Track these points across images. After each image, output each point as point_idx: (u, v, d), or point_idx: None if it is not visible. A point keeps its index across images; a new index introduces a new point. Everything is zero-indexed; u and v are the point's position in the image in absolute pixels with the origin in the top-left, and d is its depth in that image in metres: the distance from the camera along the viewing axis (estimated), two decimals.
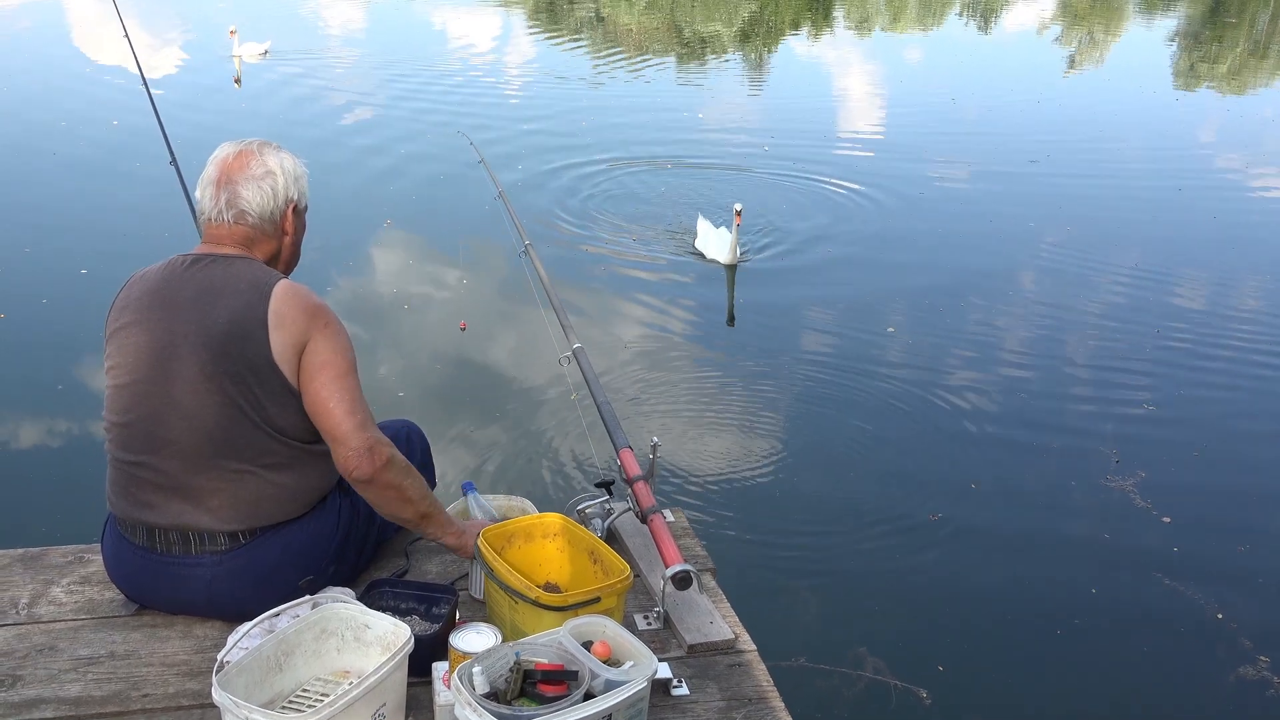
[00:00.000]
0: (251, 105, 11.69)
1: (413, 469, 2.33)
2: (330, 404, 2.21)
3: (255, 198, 2.33)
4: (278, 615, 2.06)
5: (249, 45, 13.63)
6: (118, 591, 2.42)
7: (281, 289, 2.25)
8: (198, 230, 2.43)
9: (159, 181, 3.90)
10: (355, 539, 2.46)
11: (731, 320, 6.69)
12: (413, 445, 2.74)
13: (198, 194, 2.38)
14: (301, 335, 2.23)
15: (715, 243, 7.39)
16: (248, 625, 2.04)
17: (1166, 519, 4.59)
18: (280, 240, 2.40)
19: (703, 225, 7.66)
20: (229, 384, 2.20)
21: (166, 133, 3.99)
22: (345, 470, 2.22)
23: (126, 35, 4.82)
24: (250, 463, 2.23)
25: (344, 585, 2.42)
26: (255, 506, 2.25)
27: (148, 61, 11.14)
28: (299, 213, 2.43)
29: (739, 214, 7.07)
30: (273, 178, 2.35)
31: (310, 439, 2.30)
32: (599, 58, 16.02)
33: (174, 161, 3.84)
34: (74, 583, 2.47)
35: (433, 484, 2.84)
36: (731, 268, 7.24)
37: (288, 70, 13.19)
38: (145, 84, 4.42)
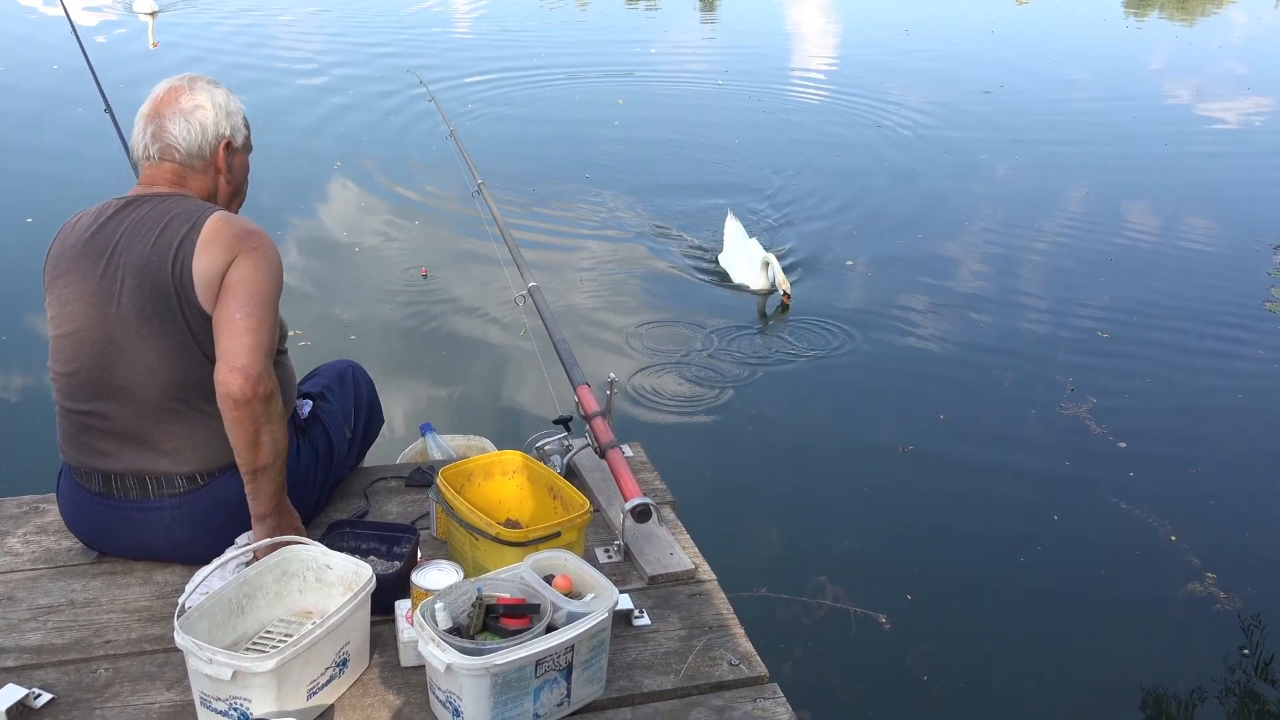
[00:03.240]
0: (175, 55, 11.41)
1: (284, 424, 2.16)
2: (234, 319, 2.09)
3: (181, 132, 2.26)
4: (236, 557, 2.06)
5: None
6: (75, 540, 2.40)
7: (214, 218, 2.17)
8: (135, 174, 2.37)
9: (102, 129, 3.81)
10: (313, 479, 2.45)
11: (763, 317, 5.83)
12: (358, 384, 2.72)
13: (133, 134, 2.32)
14: (225, 259, 2.13)
15: (742, 264, 6.10)
16: (207, 569, 2.04)
17: (1122, 444, 4.67)
18: (214, 179, 2.32)
19: (731, 230, 6.38)
20: (170, 323, 2.14)
21: (99, 79, 3.91)
22: (223, 385, 2.05)
23: None
24: (201, 402, 2.19)
25: (316, 518, 2.44)
26: (211, 447, 2.22)
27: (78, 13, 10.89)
28: (233, 150, 2.34)
29: (787, 296, 5.81)
30: (201, 111, 2.27)
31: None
32: None
33: (108, 109, 3.76)
34: (30, 533, 2.45)
35: (380, 422, 2.83)
36: (766, 295, 5.97)
37: (208, 20, 12.81)
38: (75, 30, 4.30)
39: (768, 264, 5.89)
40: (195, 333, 2.15)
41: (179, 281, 2.13)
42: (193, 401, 2.19)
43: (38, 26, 11.70)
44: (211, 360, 2.12)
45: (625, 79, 10.82)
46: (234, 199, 2.40)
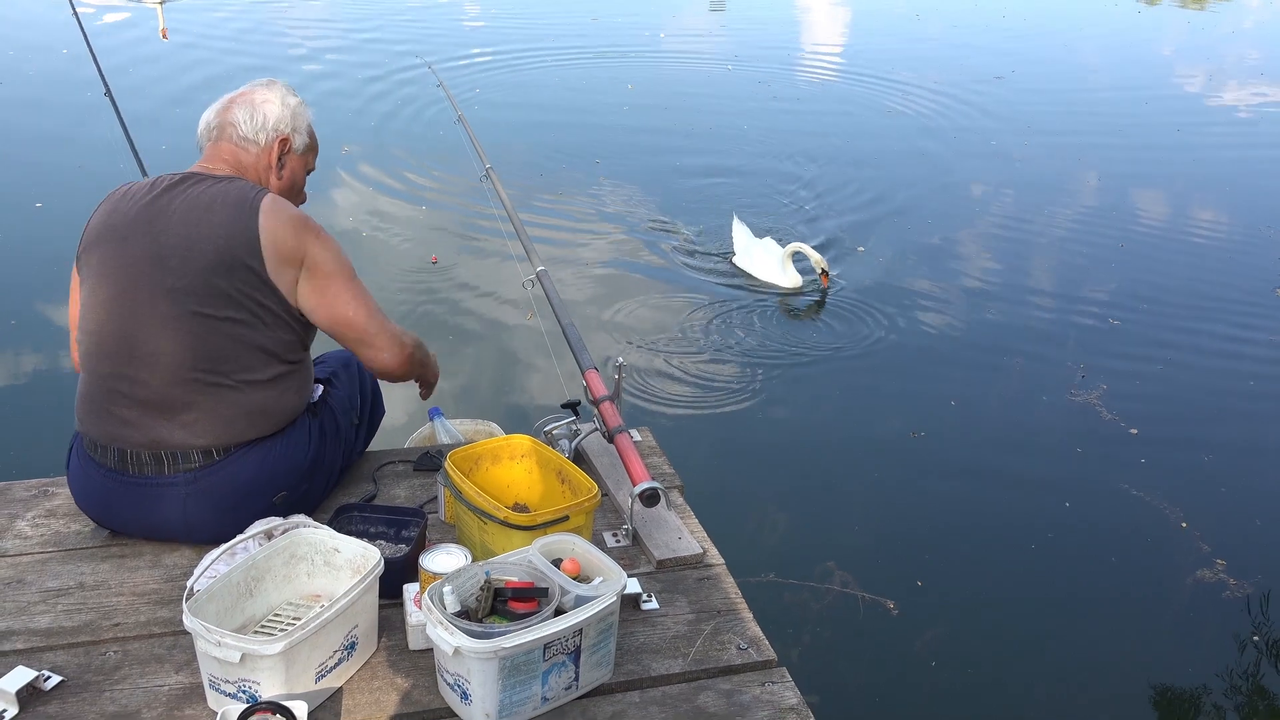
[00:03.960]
0: (187, 45, 11.39)
1: (422, 342, 2.53)
2: (349, 311, 2.31)
3: (245, 117, 2.38)
4: (245, 540, 2.06)
5: None
6: (84, 524, 2.41)
7: (268, 205, 2.25)
8: (138, 164, 2.41)
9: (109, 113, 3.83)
10: (325, 461, 2.46)
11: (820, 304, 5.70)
12: (363, 372, 2.73)
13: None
14: (295, 252, 2.25)
15: (764, 261, 5.93)
16: (216, 552, 2.04)
17: (1133, 430, 4.65)
18: (266, 172, 2.41)
19: (740, 233, 6.22)
20: (218, 301, 2.20)
21: (100, 65, 3.92)
22: (379, 367, 2.40)
23: None
24: (230, 377, 2.22)
25: (313, 508, 2.43)
26: (231, 423, 2.25)
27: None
28: (289, 150, 2.45)
29: (825, 275, 5.68)
30: (268, 105, 2.41)
31: (293, 358, 2.32)
32: None
33: (108, 92, 3.78)
34: (39, 516, 2.45)
35: (381, 412, 2.86)
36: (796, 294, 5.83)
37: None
38: (76, 13, 4.30)
39: (794, 254, 5.76)
40: (242, 313, 2.22)
41: (232, 266, 2.19)
42: (220, 376, 2.22)
43: (50, 4, 11.68)
44: (246, 341, 2.22)
45: (634, 65, 10.79)
46: (289, 196, 2.47)
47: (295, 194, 2.51)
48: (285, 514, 2.29)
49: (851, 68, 11.10)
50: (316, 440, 2.42)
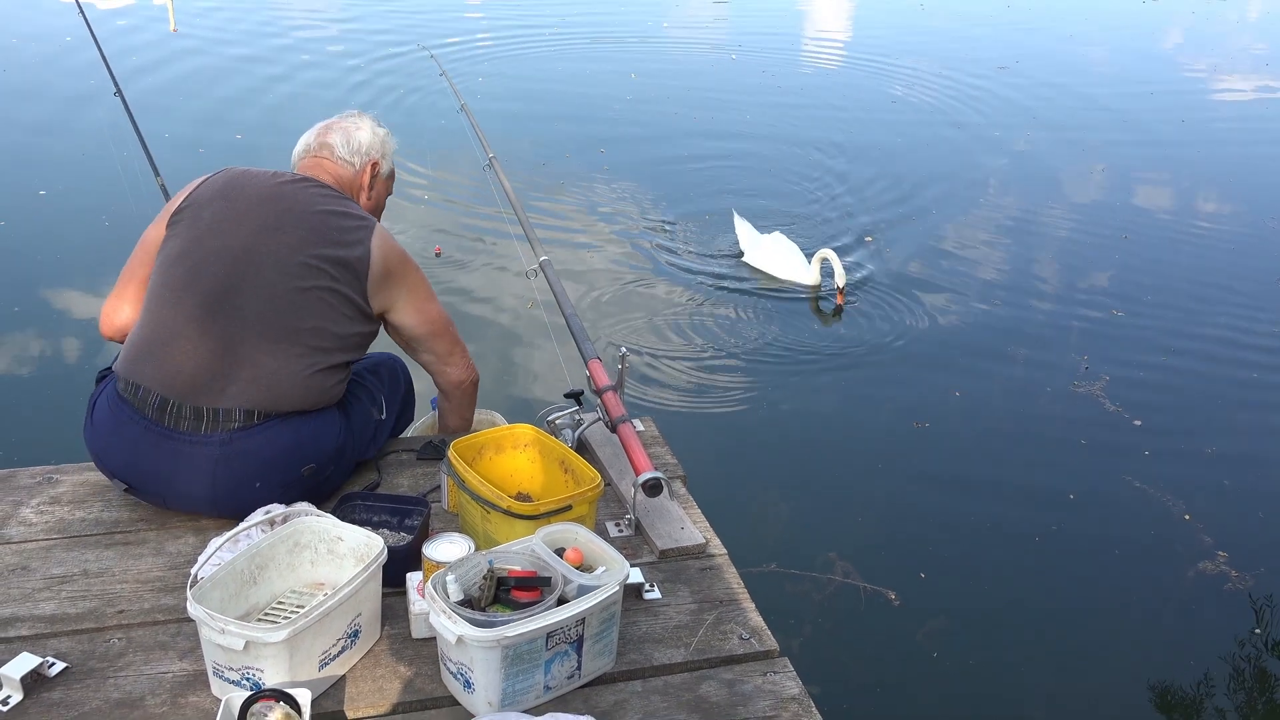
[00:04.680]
0: (197, 35, 11.37)
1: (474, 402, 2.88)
2: (442, 326, 2.66)
3: (340, 141, 2.64)
4: (249, 528, 2.07)
5: None
6: (89, 511, 2.41)
7: (381, 231, 2.51)
8: (149, 162, 2.47)
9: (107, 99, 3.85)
10: (350, 449, 2.50)
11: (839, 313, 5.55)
12: (396, 377, 2.79)
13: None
14: (398, 276, 2.52)
15: (779, 257, 5.82)
16: (220, 539, 2.05)
17: (1137, 422, 4.65)
18: (359, 193, 2.66)
19: (743, 230, 6.13)
20: (321, 281, 2.37)
21: (110, 63, 3.93)
22: (459, 375, 2.73)
23: None
24: (298, 345, 2.33)
25: (330, 495, 2.46)
26: (278, 390, 2.31)
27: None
28: (378, 175, 2.69)
29: (841, 293, 5.51)
30: (361, 132, 2.67)
31: (353, 357, 2.48)
32: None
33: (119, 92, 3.80)
34: (44, 503, 2.46)
35: (410, 419, 2.93)
36: (816, 289, 5.70)
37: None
38: (86, 20, 4.31)
39: (823, 260, 5.62)
40: (337, 296, 2.39)
41: (342, 258, 2.40)
42: (302, 341, 2.34)
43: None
44: (329, 321, 2.38)
45: (637, 54, 10.77)
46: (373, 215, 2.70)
47: (378, 214, 2.75)
48: (301, 496, 2.33)
49: (854, 57, 11.08)
50: (345, 430, 2.47)
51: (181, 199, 2.47)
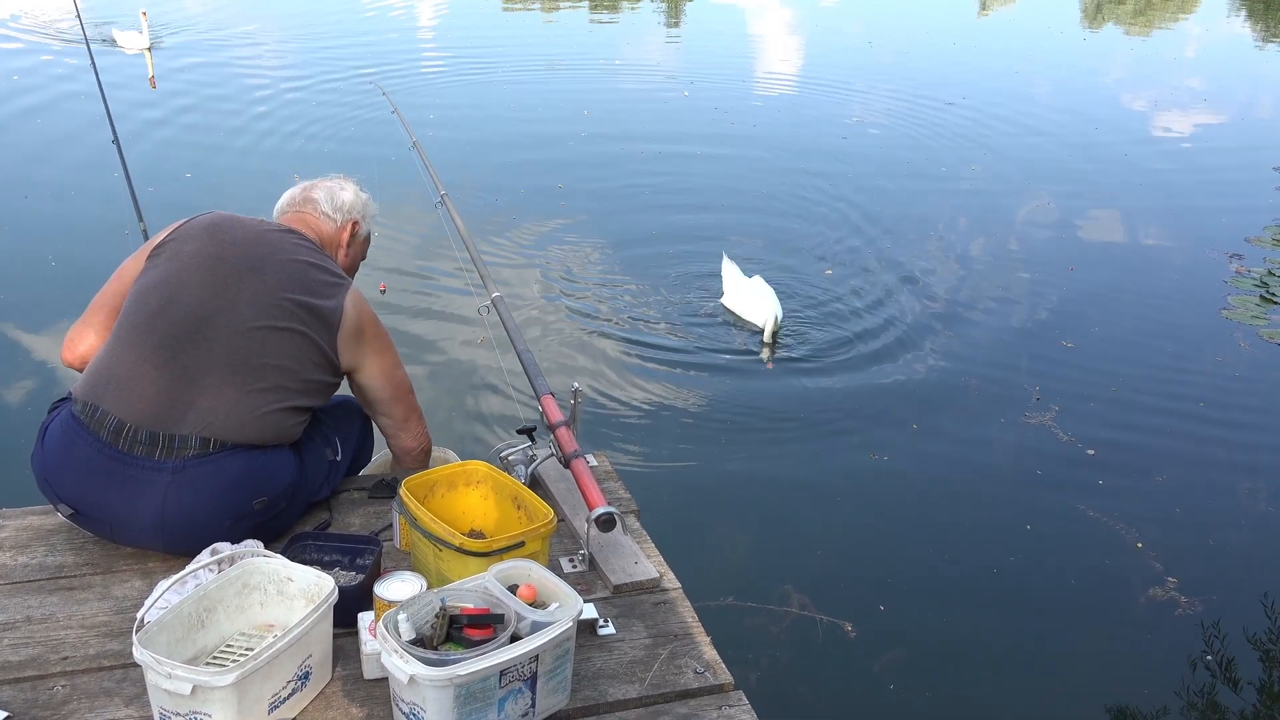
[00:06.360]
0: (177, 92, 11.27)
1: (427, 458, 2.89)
2: (406, 393, 2.72)
3: (325, 197, 2.73)
4: (197, 570, 2.04)
5: (129, 35, 11.31)
6: (31, 556, 2.36)
7: (355, 294, 2.58)
8: (135, 209, 2.49)
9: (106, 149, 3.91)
10: (303, 488, 2.49)
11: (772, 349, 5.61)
12: (351, 419, 2.78)
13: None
14: (369, 338, 2.58)
15: (752, 302, 5.82)
16: (166, 582, 2.02)
17: (1090, 451, 4.72)
18: (337, 249, 2.72)
19: (730, 272, 6.09)
20: (293, 324, 2.41)
21: (110, 109, 4.00)
22: (411, 443, 2.77)
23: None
24: (264, 381, 2.35)
25: (282, 533, 2.44)
26: (236, 421, 2.31)
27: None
28: (357, 235, 2.78)
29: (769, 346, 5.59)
30: (344, 193, 2.77)
31: (314, 400, 2.50)
32: (511, 5, 15.81)
33: (115, 140, 3.86)
34: None
35: (367, 460, 2.94)
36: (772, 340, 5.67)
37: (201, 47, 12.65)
38: (94, 66, 4.33)
39: (776, 317, 5.59)
40: (308, 342, 2.43)
41: (316, 309, 2.45)
42: (265, 375, 2.36)
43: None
44: (297, 363, 2.42)
45: (589, 91, 10.84)
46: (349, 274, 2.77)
47: (352, 273, 2.79)
48: (251, 531, 2.32)
49: (805, 93, 11.22)
50: (299, 470, 2.46)
51: (164, 235, 2.51)
